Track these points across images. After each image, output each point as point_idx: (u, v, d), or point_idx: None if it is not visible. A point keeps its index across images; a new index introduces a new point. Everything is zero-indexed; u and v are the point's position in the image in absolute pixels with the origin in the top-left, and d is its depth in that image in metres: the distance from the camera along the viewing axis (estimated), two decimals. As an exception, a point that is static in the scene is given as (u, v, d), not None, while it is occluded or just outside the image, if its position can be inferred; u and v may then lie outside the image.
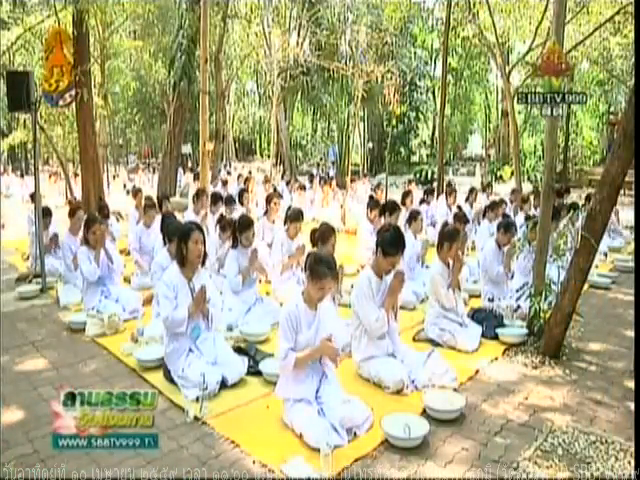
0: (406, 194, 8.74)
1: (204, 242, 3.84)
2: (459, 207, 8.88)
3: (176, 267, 3.81)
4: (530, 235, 5.13)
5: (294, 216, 5.75)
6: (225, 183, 13.25)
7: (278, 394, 3.22)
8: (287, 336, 3.14)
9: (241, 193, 9.04)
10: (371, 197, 8.01)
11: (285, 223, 5.78)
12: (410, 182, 13.81)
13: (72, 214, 6.16)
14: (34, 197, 8.30)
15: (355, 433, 3.04)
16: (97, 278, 5.24)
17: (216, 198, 7.84)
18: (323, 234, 4.77)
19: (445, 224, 5.25)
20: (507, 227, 5.54)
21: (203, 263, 3.90)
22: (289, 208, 5.96)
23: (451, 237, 4.63)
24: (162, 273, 4.39)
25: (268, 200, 7.35)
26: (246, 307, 4.99)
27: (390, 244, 3.74)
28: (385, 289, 3.82)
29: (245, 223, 5.13)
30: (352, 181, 13.78)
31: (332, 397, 3.15)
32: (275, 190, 11.87)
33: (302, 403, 3.12)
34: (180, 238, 3.77)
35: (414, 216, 6.44)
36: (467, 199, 9.55)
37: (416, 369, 3.73)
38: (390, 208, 6.56)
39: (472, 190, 9.85)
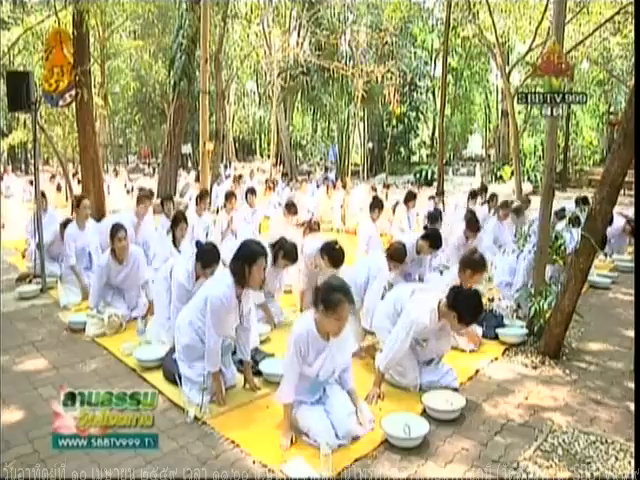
0: (410, 196, 8.66)
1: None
2: (435, 209, 8.82)
3: (231, 285, 3.41)
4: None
5: (335, 261, 4.92)
6: (240, 177, 13.54)
7: (280, 399, 3.07)
8: (293, 363, 2.97)
9: (247, 194, 9.03)
10: (375, 197, 7.94)
11: (322, 256, 5.04)
12: (409, 182, 13.78)
13: (78, 204, 6.11)
14: (43, 195, 8.33)
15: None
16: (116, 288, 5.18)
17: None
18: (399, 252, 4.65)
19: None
20: None
21: (261, 288, 3.66)
22: (328, 244, 5.06)
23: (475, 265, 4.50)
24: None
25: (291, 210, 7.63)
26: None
27: (470, 314, 3.41)
28: (438, 328, 3.60)
29: (293, 255, 4.93)
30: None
31: (338, 408, 3.08)
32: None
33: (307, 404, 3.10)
34: (244, 259, 3.39)
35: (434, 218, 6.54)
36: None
37: (420, 369, 3.74)
38: (435, 243, 5.40)
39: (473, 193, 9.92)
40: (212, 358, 3.42)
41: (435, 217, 7.26)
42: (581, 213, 7.35)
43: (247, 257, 3.39)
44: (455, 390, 3.59)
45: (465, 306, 3.37)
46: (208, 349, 3.42)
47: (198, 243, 4.48)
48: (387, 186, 12.63)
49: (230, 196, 8.15)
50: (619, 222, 7.98)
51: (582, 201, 9.24)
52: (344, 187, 13.93)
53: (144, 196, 6.92)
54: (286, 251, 4.91)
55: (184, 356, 3.64)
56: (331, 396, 3.16)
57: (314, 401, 3.15)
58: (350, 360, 3.26)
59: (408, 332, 3.50)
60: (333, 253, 4.90)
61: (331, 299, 2.85)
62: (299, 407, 3.09)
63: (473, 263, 4.30)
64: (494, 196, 9.54)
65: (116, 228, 5.01)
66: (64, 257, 6.00)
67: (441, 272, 6.64)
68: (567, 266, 4.33)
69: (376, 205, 7.20)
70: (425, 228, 5.72)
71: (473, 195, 9.69)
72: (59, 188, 15.30)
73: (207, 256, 4.21)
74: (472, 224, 6.55)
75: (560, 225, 6.69)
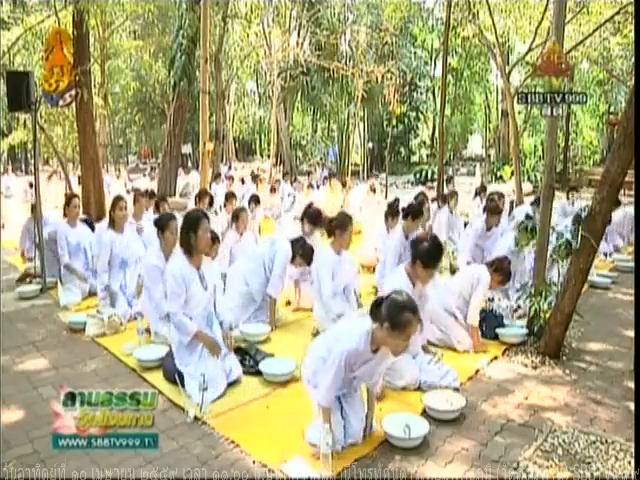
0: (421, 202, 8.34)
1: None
2: (422, 194, 8.92)
3: (183, 257, 3.69)
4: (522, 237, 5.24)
5: (313, 221, 5.45)
6: (256, 177, 13.59)
7: (320, 404, 2.92)
8: (339, 376, 2.83)
9: (249, 202, 8.94)
10: (390, 205, 7.56)
11: (302, 221, 5.50)
12: (409, 182, 13.69)
13: (68, 202, 6.20)
14: (34, 207, 8.35)
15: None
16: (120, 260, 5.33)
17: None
18: (342, 223, 4.73)
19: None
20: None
21: (209, 253, 3.86)
22: (304, 210, 5.60)
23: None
24: (159, 274, 4.34)
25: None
26: (253, 307, 5.01)
27: (431, 257, 3.64)
28: (417, 297, 3.65)
29: (309, 258, 5.11)
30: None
31: (355, 419, 3.03)
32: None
33: None
34: (189, 226, 3.66)
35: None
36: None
37: (421, 368, 3.75)
38: (414, 213, 5.74)
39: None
40: (181, 328, 3.60)
41: (421, 200, 7.46)
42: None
43: (190, 224, 3.65)
44: (455, 390, 3.59)
45: (424, 250, 3.63)
46: (172, 321, 3.63)
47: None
48: (373, 189, 12.79)
49: (230, 197, 8.15)
50: None
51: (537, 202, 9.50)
52: (344, 185, 13.87)
53: (140, 196, 6.96)
54: (304, 251, 5.09)
55: (178, 355, 3.68)
56: (352, 404, 3.08)
57: (336, 395, 3.07)
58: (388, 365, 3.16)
59: None
60: (310, 213, 5.48)
61: (400, 319, 2.65)
62: None
63: (505, 270, 4.52)
64: (492, 195, 9.73)
65: (117, 199, 5.44)
66: (59, 257, 6.04)
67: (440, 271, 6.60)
68: (567, 266, 4.32)
69: (391, 213, 6.70)
70: (402, 209, 5.79)
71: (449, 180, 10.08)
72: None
73: (162, 220, 4.55)
74: (493, 208, 6.50)
75: (560, 226, 6.69)
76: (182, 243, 3.71)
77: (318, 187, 14.96)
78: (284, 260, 4.98)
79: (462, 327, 4.46)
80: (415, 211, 5.56)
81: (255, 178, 13.58)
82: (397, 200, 9.25)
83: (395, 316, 2.66)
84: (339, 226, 4.68)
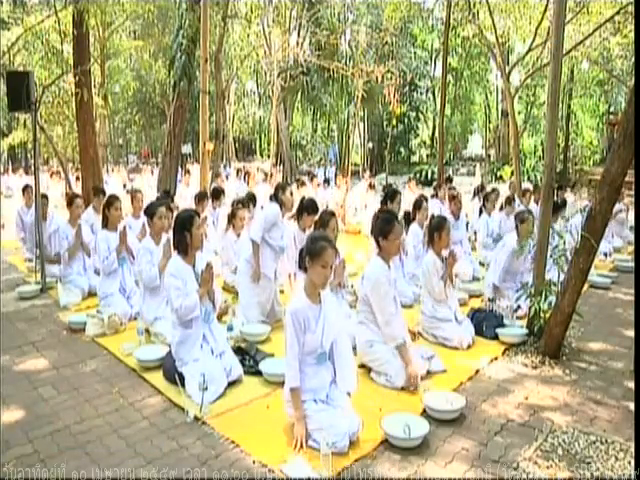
0: (418, 204, 7.02)
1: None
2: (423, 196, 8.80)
3: (179, 257, 3.79)
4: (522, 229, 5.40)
5: (310, 208, 5.44)
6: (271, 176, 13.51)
7: (289, 385, 3.00)
8: (293, 342, 2.97)
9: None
10: (407, 213, 7.21)
11: (299, 215, 5.45)
12: (410, 180, 13.43)
13: (70, 202, 6.23)
14: (24, 190, 8.34)
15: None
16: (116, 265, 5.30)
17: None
18: (323, 219, 4.83)
19: (432, 217, 5.21)
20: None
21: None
22: (302, 199, 5.66)
23: (440, 227, 4.64)
24: (149, 255, 4.71)
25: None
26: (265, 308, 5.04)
27: (386, 225, 3.86)
28: (393, 276, 3.92)
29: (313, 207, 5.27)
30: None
31: (347, 410, 3.04)
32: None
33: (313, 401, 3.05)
34: (183, 226, 3.75)
35: (419, 205, 6.44)
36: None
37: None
38: (390, 196, 6.43)
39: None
40: (187, 312, 3.64)
41: (394, 192, 6.65)
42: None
43: (184, 224, 3.75)
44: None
45: (378, 225, 3.89)
46: (177, 314, 3.65)
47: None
48: (372, 186, 12.86)
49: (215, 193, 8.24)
50: None
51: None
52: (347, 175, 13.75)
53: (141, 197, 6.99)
54: (308, 204, 5.27)
55: (178, 355, 3.69)
56: (340, 400, 3.08)
57: (321, 399, 3.08)
58: (344, 327, 3.29)
59: (383, 282, 3.81)
60: (306, 205, 5.33)
61: (315, 247, 2.96)
62: (309, 409, 3.00)
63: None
64: (512, 183, 9.92)
65: (113, 198, 5.51)
66: (61, 255, 6.06)
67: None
68: (567, 266, 4.33)
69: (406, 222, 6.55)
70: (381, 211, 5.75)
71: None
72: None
73: (150, 208, 4.92)
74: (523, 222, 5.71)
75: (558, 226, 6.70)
76: (178, 244, 3.80)
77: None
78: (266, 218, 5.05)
79: (457, 328, 4.49)
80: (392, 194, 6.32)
81: (246, 175, 13.54)
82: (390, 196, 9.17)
83: (311, 247, 2.97)
84: (320, 224, 4.82)
